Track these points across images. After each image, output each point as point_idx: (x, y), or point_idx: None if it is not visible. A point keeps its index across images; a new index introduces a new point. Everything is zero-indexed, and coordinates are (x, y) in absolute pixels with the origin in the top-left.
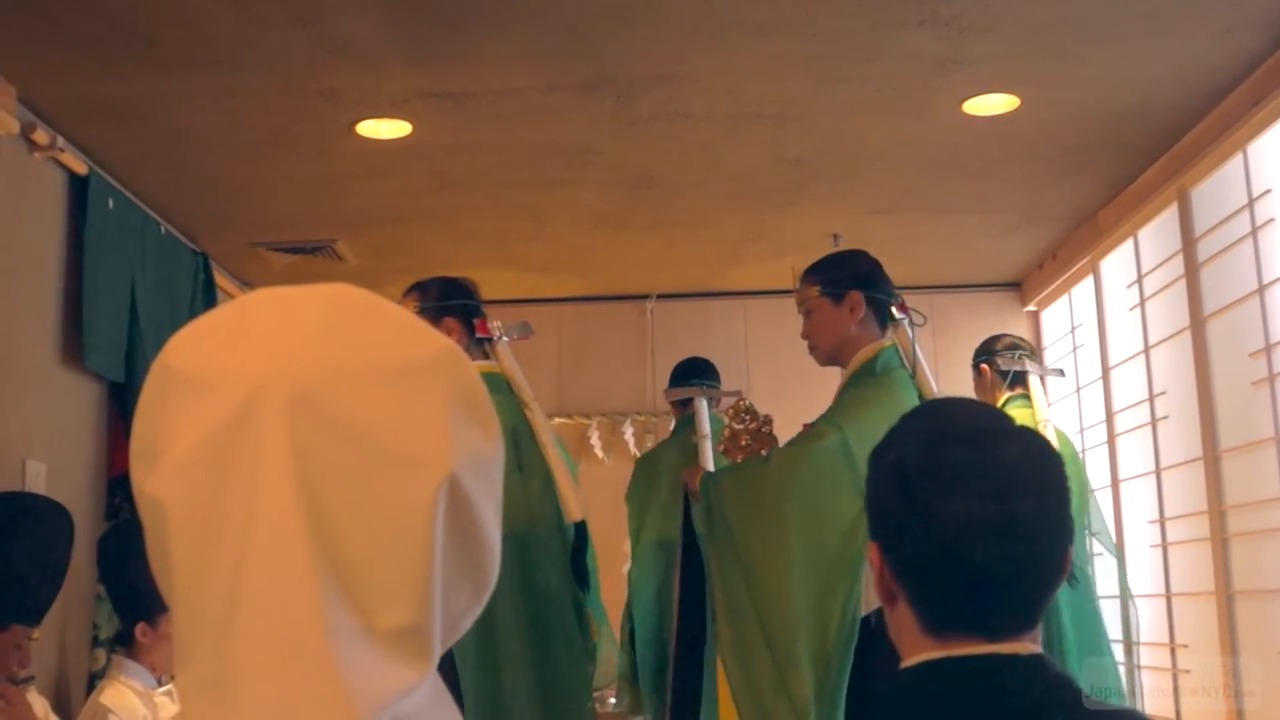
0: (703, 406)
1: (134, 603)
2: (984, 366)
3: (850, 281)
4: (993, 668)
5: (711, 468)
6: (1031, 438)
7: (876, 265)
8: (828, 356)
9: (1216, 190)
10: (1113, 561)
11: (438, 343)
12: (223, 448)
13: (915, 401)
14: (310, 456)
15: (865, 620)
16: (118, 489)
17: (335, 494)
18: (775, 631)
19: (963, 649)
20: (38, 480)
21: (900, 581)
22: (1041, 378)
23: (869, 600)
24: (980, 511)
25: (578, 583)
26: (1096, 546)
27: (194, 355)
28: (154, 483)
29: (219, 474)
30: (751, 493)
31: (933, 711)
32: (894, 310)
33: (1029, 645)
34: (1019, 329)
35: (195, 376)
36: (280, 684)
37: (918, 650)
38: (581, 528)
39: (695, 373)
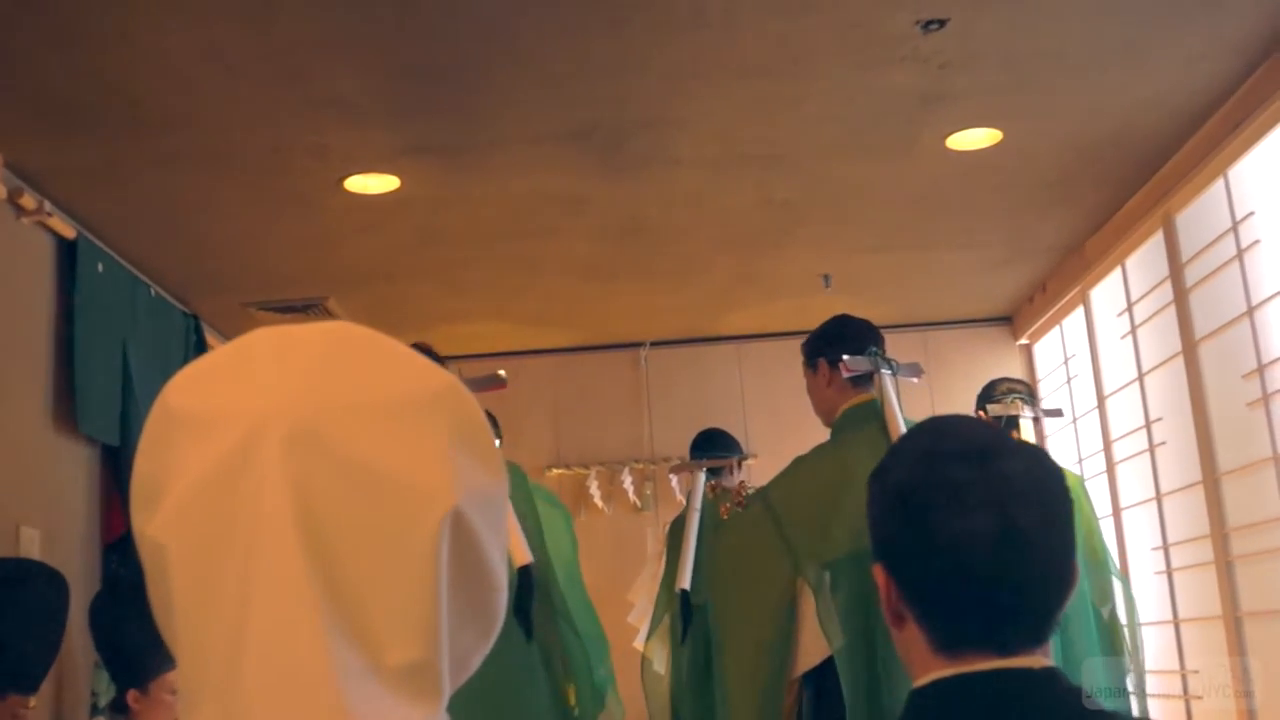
0: (699, 481)
1: (125, 669)
2: (980, 413)
3: (815, 350)
4: (1006, 683)
5: (694, 539)
6: (1031, 451)
7: (843, 326)
8: (826, 420)
9: (1201, 215)
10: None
11: (439, 378)
12: (223, 486)
13: (862, 455)
14: (311, 492)
15: (809, 676)
16: (113, 554)
17: (337, 530)
18: (725, 687)
19: (975, 665)
20: (32, 546)
21: (908, 602)
22: (1036, 419)
23: (811, 653)
24: (983, 526)
25: (522, 629)
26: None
27: (194, 395)
28: (155, 525)
29: (220, 513)
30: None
31: None
32: (840, 368)
33: (1041, 659)
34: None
35: (195, 416)
36: None
37: (929, 669)
38: (524, 572)
39: (700, 446)
